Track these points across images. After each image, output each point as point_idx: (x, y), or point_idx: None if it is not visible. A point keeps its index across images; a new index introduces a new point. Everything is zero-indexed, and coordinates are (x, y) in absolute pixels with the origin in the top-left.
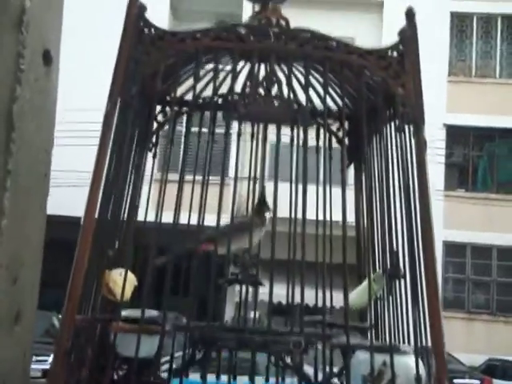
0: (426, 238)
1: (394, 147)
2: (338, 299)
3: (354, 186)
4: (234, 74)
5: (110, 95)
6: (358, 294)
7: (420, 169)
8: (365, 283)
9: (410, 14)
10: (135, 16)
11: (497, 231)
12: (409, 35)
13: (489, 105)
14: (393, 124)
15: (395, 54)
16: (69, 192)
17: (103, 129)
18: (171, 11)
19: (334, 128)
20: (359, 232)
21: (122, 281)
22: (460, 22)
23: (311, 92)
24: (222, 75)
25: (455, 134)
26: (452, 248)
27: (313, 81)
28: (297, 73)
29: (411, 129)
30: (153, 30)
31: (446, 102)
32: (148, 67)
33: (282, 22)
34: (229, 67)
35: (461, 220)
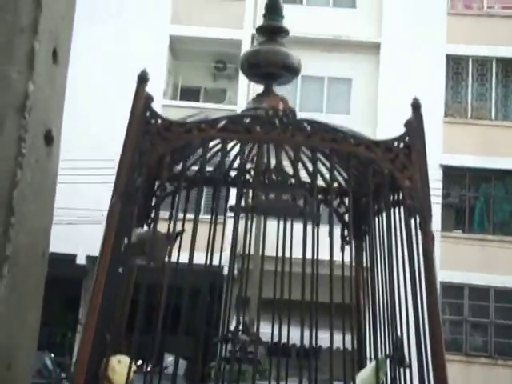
0: (435, 337)
1: (398, 235)
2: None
3: (355, 265)
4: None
5: (115, 188)
6: (363, 381)
7: (427, 263)
8: (369, 368)
9: (415, 106)
10: (142, 107)
11: (494, 273)
12: (415, 126)
13: (485, 146)
14: (397, 209)
15: (401, 145)
16: (63, 229)
17: (107, 221)
18: (170, 51)
19: (334, 204)
20: (360, 313)
21: (120, 368)
22: (456, 65)
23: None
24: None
25: (452, 175)
26: (449, 289)
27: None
28: (302, 155)
29: (417, 221)
30: (159, 120)
31: (442, 142)
32: (154, 158)
33: (288, 112)
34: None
35: (458, 261)
